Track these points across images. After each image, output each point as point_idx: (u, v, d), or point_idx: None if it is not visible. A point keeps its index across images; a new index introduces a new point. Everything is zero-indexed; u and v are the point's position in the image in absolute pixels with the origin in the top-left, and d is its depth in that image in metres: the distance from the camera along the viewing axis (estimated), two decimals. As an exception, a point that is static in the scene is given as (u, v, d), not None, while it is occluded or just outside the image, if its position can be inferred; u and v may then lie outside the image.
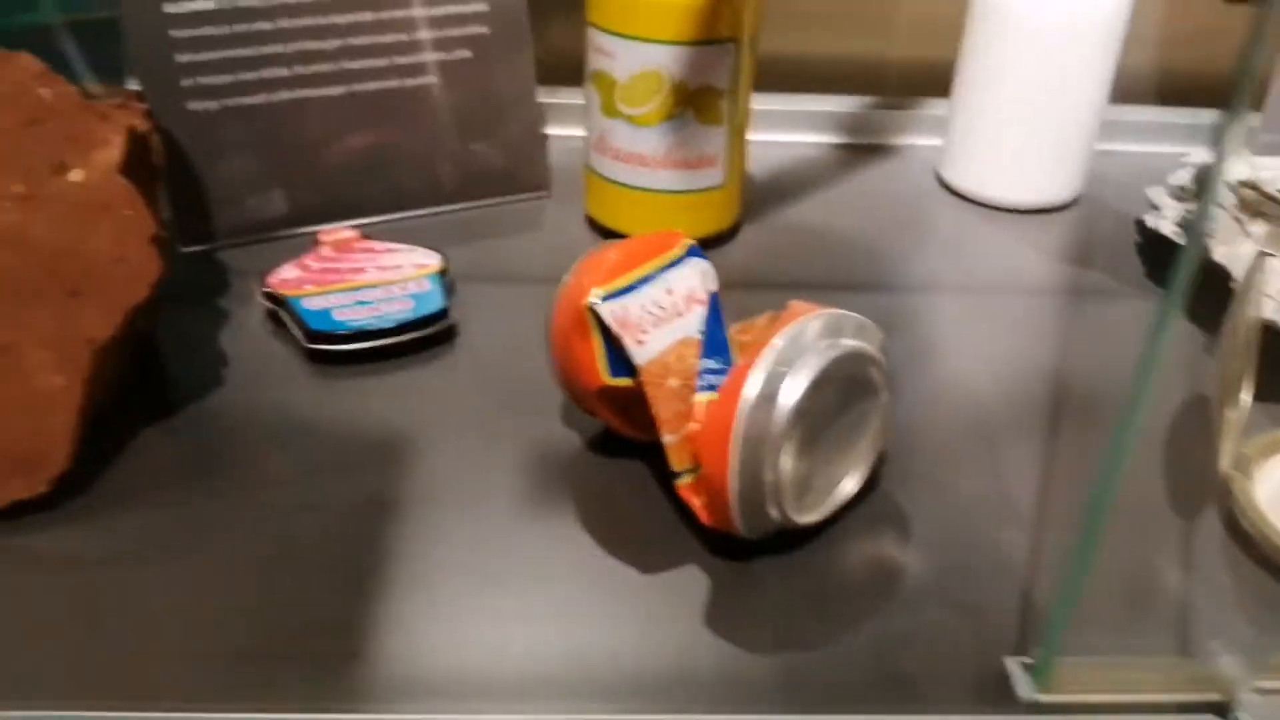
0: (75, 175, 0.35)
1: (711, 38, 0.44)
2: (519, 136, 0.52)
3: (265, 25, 0.46)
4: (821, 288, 0.46)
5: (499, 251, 0.48)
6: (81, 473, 0.34)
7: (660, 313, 0.33)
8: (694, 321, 0.33)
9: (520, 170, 0.52)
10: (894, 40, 0.65)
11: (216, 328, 0.42)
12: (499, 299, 0.45)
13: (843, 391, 0.31)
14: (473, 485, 0.34)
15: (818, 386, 0.30)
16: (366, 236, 0.46)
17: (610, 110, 0.46)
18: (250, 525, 0.32)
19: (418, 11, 0.48)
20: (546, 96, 0.56)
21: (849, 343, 0.31)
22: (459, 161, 0.51)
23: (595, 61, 0.46)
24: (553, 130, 0.58)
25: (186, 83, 0.45)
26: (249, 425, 0.36)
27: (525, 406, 0.38)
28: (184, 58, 0.45)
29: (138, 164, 0.37)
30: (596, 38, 0.45)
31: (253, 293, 0.44)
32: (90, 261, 0.34)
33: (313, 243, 0.45)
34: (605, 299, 0.33)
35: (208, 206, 0.47)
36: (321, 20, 0.47)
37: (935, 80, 0.61)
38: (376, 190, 0.50)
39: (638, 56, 0.44)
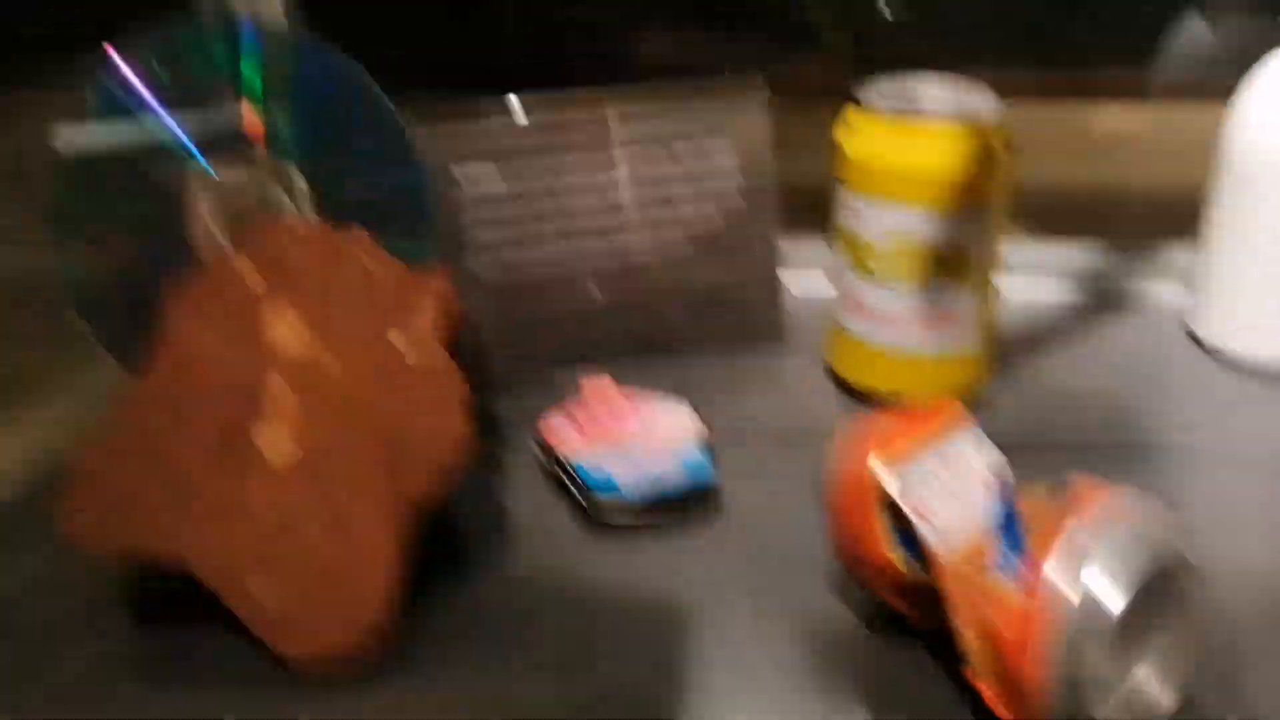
0: (399, 343, 0.38)
1: (966, 204, 0.44)
2: (758, 289, 0.53)
3: (547, 204, 0.49)
4: (1078, 450, 0.45)
5: (745, 406, 0.49)
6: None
7: (945, 489, 0.33)
8: (980, 499, 0.32)
9: (758, 321, 0.53)
10: (1130, 170, 0.63)
11: (492, 474, 0.44)
12: (754, 459, 0.45)
13: (1157, 592, 0.30)
14: (747, 659, 0.34)
15: (1138, 589, 0.29)
16: (621, 385, 0.47)
17: (859, 269, 0.46)
18: (529, 690, 0.33)
19: (673, 169, 0.51)
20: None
21: (1167, 545, 0.30)
22: (699, 312, 0.52)
23: (844, 219, 0.47)
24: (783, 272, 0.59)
25: (470, 240, 0.49)
26: (525, 584, 0.38)
27: (795, 576, 0.38)
28: (470, 217, 0.49)
29: (447, 330, 0.40)
30: (846, 197, 0.46)
31: (524, 439, 0.46)
32: (411, 425, 0.37)
33: (575, 389, 0.46)
34: (890, 473, 0.32)
35: (486, 358, 0.50)
36: (595, 201, 0.50)
37: (1173, 217, 0.59)
38: (622, 336, 0.52)
39: (889, 219, 0.45)
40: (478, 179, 0.48)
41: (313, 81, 0.44)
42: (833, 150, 0.46)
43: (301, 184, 0.43)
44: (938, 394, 0.47)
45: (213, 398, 0.37)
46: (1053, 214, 0.64)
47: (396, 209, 0.45)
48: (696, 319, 0.52)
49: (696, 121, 0.50)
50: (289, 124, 0.44)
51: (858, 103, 0.45)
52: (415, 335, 0.38)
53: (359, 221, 0.44)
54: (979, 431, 0.34)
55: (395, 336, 0.38)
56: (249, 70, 0.43)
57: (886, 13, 0.56)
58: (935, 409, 0.35)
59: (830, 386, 0.50)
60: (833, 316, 0.49)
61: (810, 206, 0.51)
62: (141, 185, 0.42)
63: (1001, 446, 0.34)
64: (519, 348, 0.51)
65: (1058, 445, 0.45)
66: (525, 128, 0.49)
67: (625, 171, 0.50)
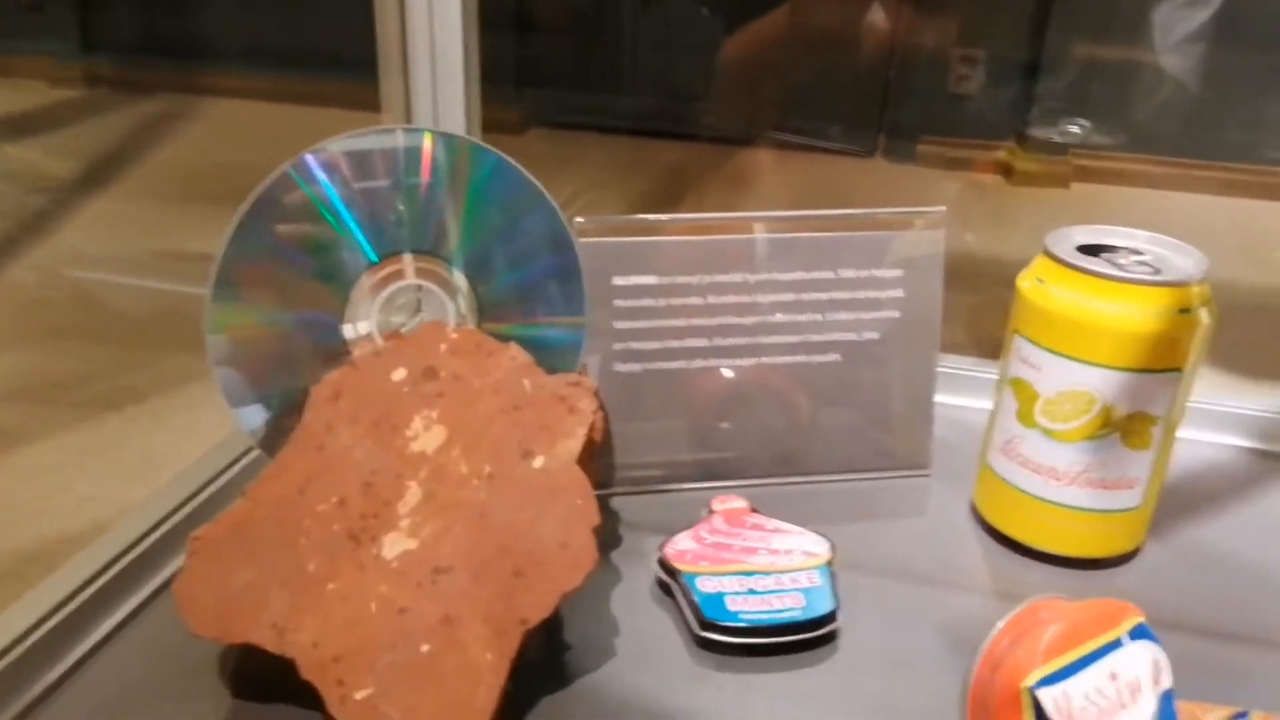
0: (539, 462, 0.35)
1: (1154, 366, 0.39)
2: (908, 415, 0.48)
3: (696, 300, 0.46)
4: (1238, 640, 0.38)
5: (879, 536, 0.45)
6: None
7: (1104, 702, 0.29)
8: (1140, 717, 0.28)
9: (904, 448, 0.49)
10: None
11: (609, 586, 0.41)
12: (881, 593, 0.41)
13: None
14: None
15: None
16: (754, 509, 0.44)
17: (1027, 419, 0.42)
18: None
19: (837, 295, 0.46)
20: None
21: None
22: (845, 434, 0.48)
23: (1017, 369, 0.42)
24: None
25: (619, 348, 0.46)
26: (632, 705, 0.34)
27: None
28: (621, 324, 0.45)
29: (587, 448, 0.37)
30: (1023, 348, 0.41)
31: (647, 556, 0.42)
32: (537, 545, 0.34)
33: (705, 509, 0.44)
34: (1045, 683, 0.28)
35: (613, 458, 0.46)
36: (745, 299, 0.46)
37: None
38: (764, 455, 0.48)
39: (1068, 375, 0.40)
40: (634, 289, 0.45)
41: (484, 186, 0.41)
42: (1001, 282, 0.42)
43: (463, 286, 0.41)
44: (1093, 552, 0.42)
45: (343, 492, 0.35)
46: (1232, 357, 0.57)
47: (550, 300, 0.43)
48: (839, 442, 0.48)
49: (868, 251, 0.46)
50: (458, 227, 0.41)
51: (1048, 253, 0.40)
52: (558, 460, 0.35)
53: (516, 310, 0.42)
54: (1155, 645, 0.29)
55: (538, 457, 0.35)
56: (423, 175, 0.41)
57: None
58: (1106, 613, 0.30)
59: (974, 527, 0.46)
60: (985, 458, 0.45)
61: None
62: (310, 270, 0.40)
63: (1149, 620, 0.30)
64: (655, 459, 0.47)
65: (1211, 629, 0.39)
66: (685, 244, 0.46)
67: (783, 291, 0.46)
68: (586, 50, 1.78)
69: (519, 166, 0.41)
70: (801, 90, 1.64)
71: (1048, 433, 0.41)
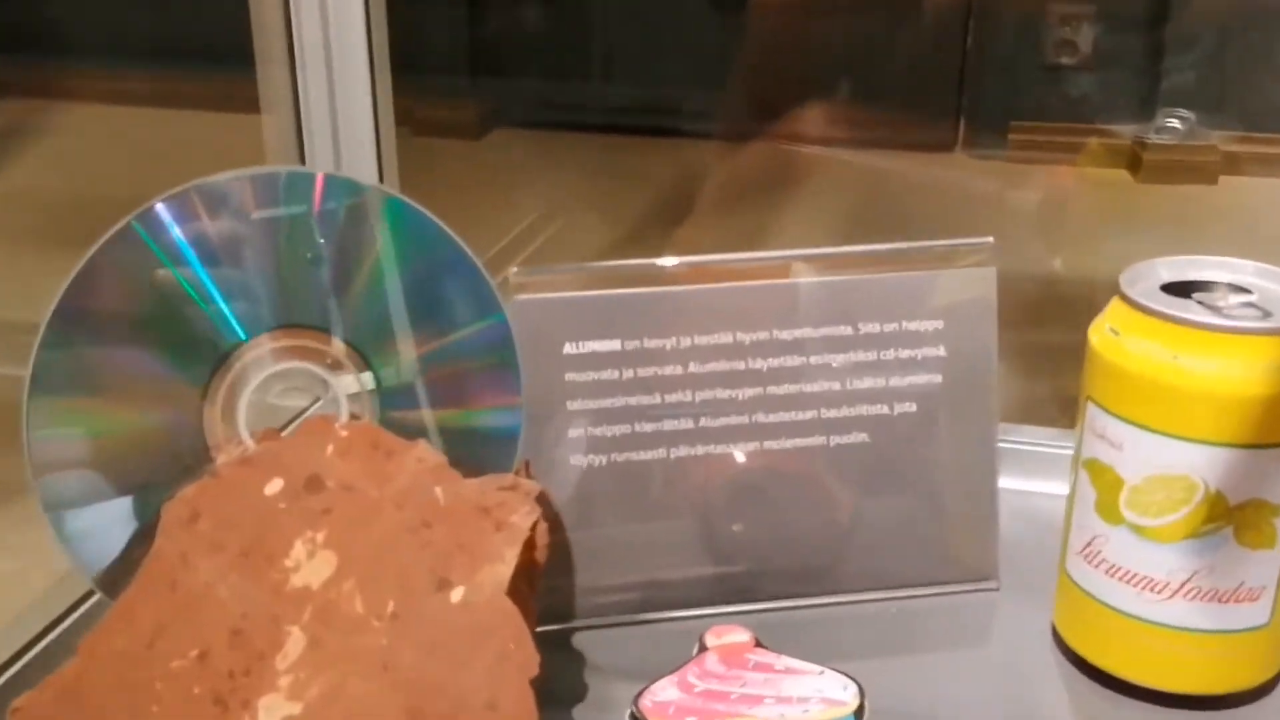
0: (457, 594, 0.36)
1: (1270, 440, 0.40)
2: (963, 511, 0.49)
3: (674, 369, 0.47)
4: None
5: (927, 674, 0.46)
6: None
7: None
8: None
9: (962, 553, 0.50)
10: None
11: None
12: None
13: None
14: None
15: None
16: (759, 642, 0.45)
17: (1109, 513, 0.43)
18: None
19: (859, 356, 0.48)
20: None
21: None
22: (882, 539, 0.49)
23: (1093, 448, 0.43)
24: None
25: (574, 434, 0.47)
26: None
27: None
28: (575, 404, 0.47)
29: (525, 572, 0.38)
30: (1099, 419, 0.43)
31: (618, 709, 0.43)
32: (458, 705, 0.35)
33: (696, 645, 0.44)
34: None
35: (571, 579, 0.48)
36: (739, 365, 0.48)
37: None
38: (771, 569, 0.49)
39: (1160, 454, 0.41)
40: (590, 358, 0.47)
41: (387, 242, 0.44)
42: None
43: (356, 367, 0.43)
44: (1210, 687, 0.43)
45: (204, 643, 0.36)
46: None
47: (473, 379, 0.44)
48: (876, 549, 0.49)
49: (897, 298, 0.48)
50: (352, 293, 0.43)
51: (1124, 297, 0.42)
52: (483, 591, 0.36)
53: (427, 394, 0.44)
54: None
55: (456, 589, 0.36)
56: (310, 230, 0.43)
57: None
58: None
59: (1055, 657, 0.46)
60: (1064, 564, 0.46)
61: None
62: (160, 353, 0.42)
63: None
64: (628, 579, 0.48)
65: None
66: (655, 298, 0.47)
67: (786, 354, 0.48)
68: (560, 29, 1.82)
69: (430, 214, 0.44)
70: (852, 67, 1.68)
71: (1138, 530, 0.42)
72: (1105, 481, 0.43)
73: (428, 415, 0.43)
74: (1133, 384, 0.41)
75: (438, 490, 0.38)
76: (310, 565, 0.37)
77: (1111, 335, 0.42)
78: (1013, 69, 1.74)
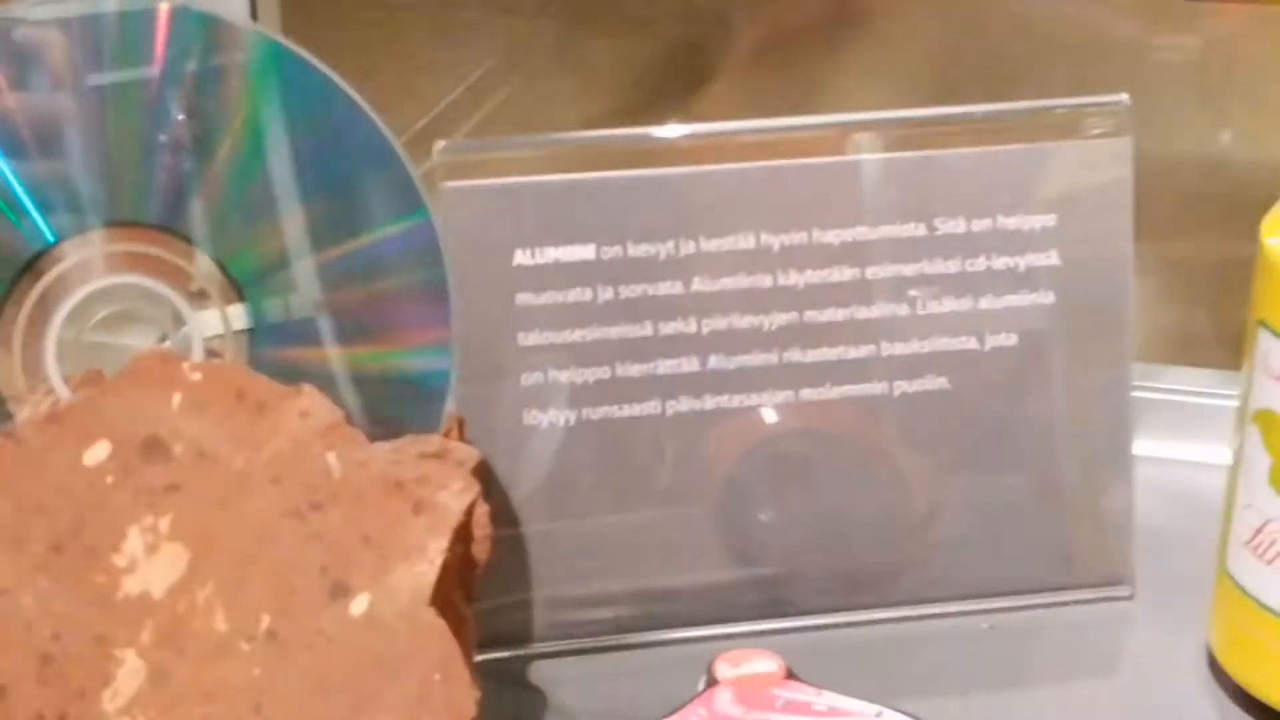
0: (360, 605, 0.37)
1: None
2: (1085, 489, 0.50)
3: (672, 287, 0.48)
4: None
5: (1039, 714, 0.46)
6: None
7: None
8: None
9: (1082, 549, 0.51)
10: None
11: None
12: None
13: None
14: None
15: None
16: (792, 673, 0.45)
17: (1289, 486, 0.43)
18: None
19: (936, 267, 0.48)
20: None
21: None
22: (971, 530, 0.50)
23: (1267, 393, 0.43)
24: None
25: (530, 380, 0.47)
26: None
27: None
28: (531, 338, 0.47)
29: (458, 574, 0.39)
30: (1275, 350, 0.43)
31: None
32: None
33: (704, 677, 0.45)
34: None
35: (528, 589, 0.48)
36: (765, 281, 0.48)
37: None
38: (812, 572, 0.50)
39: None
40: (552, 271, 0.47)
41: (261, 104, 0.44)
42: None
43: (217, 284, 0.43)
44: None
45: (3, 674, 0.36)
46: None
47: (385, 302, 0.45)
48: (958, 543, 0.50)
49: (992, 182, 0.48)
50: (212, 179, 0.43)
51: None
52: (396, 600, 0.37)
53: (319, 324, 0.44)
54: None
55: (358, 596, 0.37)
56: (148, 85, 0.43)
57: None
58: None
59: (1210, 687, 0.47)
60: (1224, 560, 0.46)
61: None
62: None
63: None
64: (603, 588, 0.49)
65: None
66: (648, 181, 0.47)
67: (832, 263, 0.48)
68: None
69: (325, 67, 0.44)
70: None
71: (1332, 512, 0.43)
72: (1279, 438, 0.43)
73: (317, 354, 0.43)
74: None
75: (331, 458, 0.38)
76: (150, 564, 0.37)
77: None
78: None
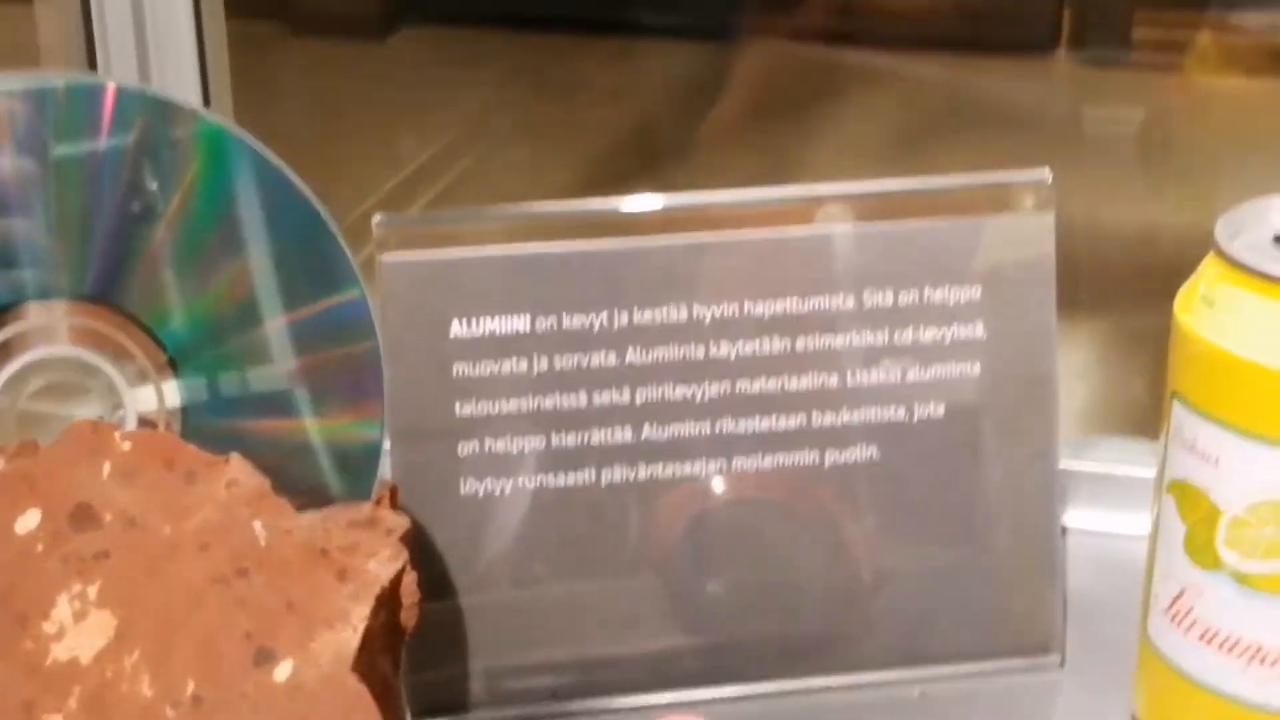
0: (283, 671, 0.37)
1: None
2: (1013, 558, 0.51)
3: (605, 358, 0.48)
4: None
5: None
6: None
7: None
8: None
9: (1012, 618, 0.51)
10: None
11: None
12: None
13: None
14: None
15: None
16: None
17: (1202, 555, 0.44)
18: None
19: (863, 337, 0.49)
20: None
21: None
22: (904, 598, 0.51)
23: (1181, 464, 0.44)
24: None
25: (466, 450, 0.48)
26: None
27: None
28: (468, 409, 0.48)
29: (383, 640, 0.39)
30: (1187, 424, 0.44)
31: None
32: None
33: None
34: None
35: (464, 658, 0.49)
36: (697, 352, 0.49)
37: None
38: (752, 637, 0.50)
39: (1272, 471, 0.42)
40: (488, 342, 0.48)
41: (202, 180, 0.45)
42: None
43: (152, 357, 0.44)
44: None
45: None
46: None
47: (316, 375, 0.46)
48: (891, 612, 0.51)
49: (919, 255, 0.49)
50: (151, 251, 0.44)
51: (1220, 253, 0.43)
52: (320, 666, 0.37)
53: (251, 399, 0.45)
54: None
55: (282, 663, 0.37)
56: (89, 163, 0.44)
57: None
58: None
59: None
60: (1145, 627, 0.47)
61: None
62: None
63: None
64: (536, 658, 0.50)
65: None
66: (582, 255, 0.48)
67: (761, 334, 0.49)
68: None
69: (257, 143, 0.45)
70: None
71: (1241, 578, 0.43)
72: (1197, 511, 0.44)
73: (250, 425, 0.44)
74: (1233, 373, 0.42)
75: (257, 525, 0.39)
76: (78, 631, 0.38)
77: (1204, 305, 0.43)
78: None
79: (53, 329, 0.44)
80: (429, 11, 1.79)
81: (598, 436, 0.49)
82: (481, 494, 0.48)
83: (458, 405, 0.48)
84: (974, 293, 0.49)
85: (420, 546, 0.47)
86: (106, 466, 0.39)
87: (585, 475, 0.49)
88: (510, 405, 0.48)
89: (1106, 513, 0.56)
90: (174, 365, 0.45)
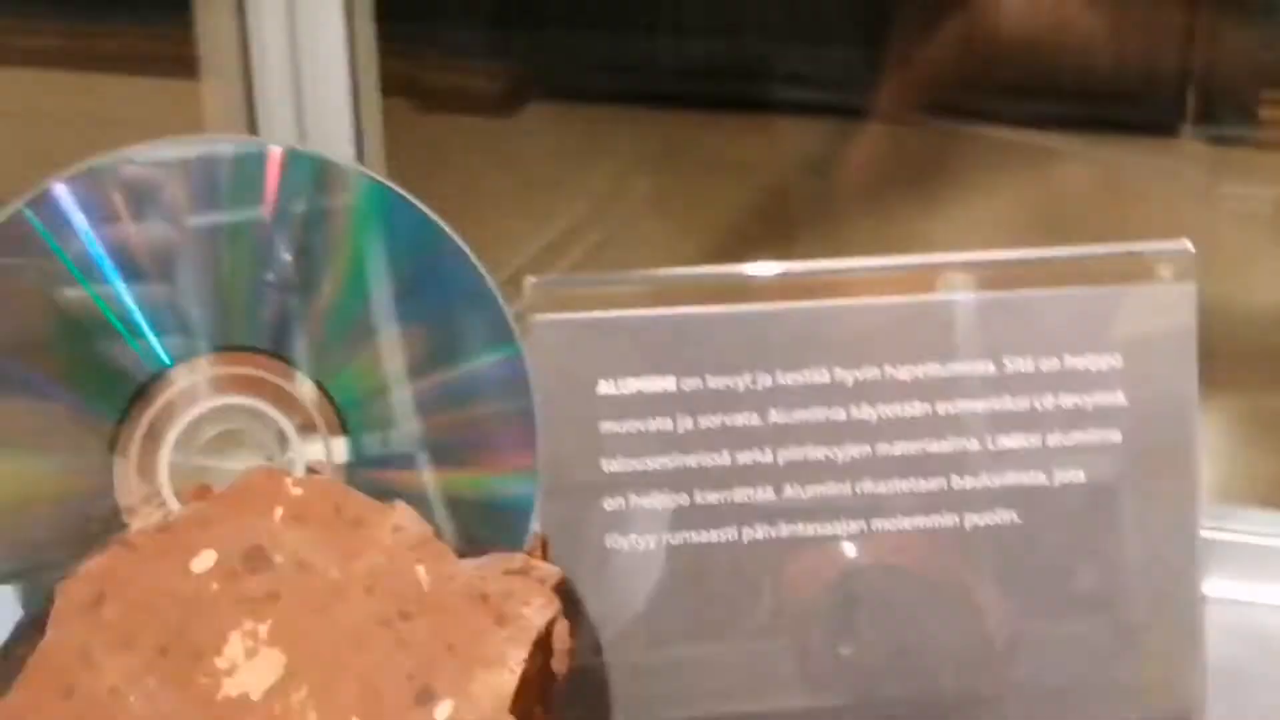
0: (443, 712, 0.38)
1: None
2: (1153, 627, 0.51)
3: (749, 419, 0.49)
4: None
5: None
6: None
7: None
8: None
9: (1154, 688, 0.51)
10: None
11: None
12: None
13: None
14: None
15: None
16: None
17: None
18: None
19: (1005, 404, 0.50)
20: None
21: None
22: (1042, 664, 0.51)
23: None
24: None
25: (612, 505, 0.49)
26: None
27: None
28: (613, 465, 0.49)
29: (537, 685, 0.40)
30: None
31: None
32: None
33: None
34: None
35: (605, 707, 0.48)
36: (839, 414, 0.49)
37: None
38: (886, 700, 0.51)
39: None
40: (635, 402, 0.49)
41: (365, 242, 0.46)
42: None
43: (318, 408, 0.45)
44: None
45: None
46: None
47: (473, 429, 0.47)
48: (1031, 674, 0.51)
49: (1060, 324, 0.50)
50: (318, 309, 0.46)
51: None
52: (478, 708, 0.38)
53: (412, 448, 0.46)
54: None
55: (442, 703, 0.38)
56: (260, 221, 0.46)
57: None
58: None
59: None
60: None
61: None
62: (53, 382, 0.44)
63: None
64: (679, 712, 0.50)
65: None
66: (727, 318, 0.49)
67: (904, 399, 0.50)
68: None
69: (424, 207, 0.46)
70: (1039, 31, 1.67)
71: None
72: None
73: (410, 476, 0.46)
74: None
75: (420, 570, 0.40)
76: (250, 667, 0.39)
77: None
78: (1267, 16, 1.73)
79: (222, 380, 0.45)
80: (556, 89, 1.81)
81: (740, 495, 0.50)
82: (626, 548, 0.49)
83: (604, 462, 0.49)
84: (1115, 360, 0.50)
85: (567, 598, 0.48)
86: (278, 511, 0.41)
87: (727, 533, 0.50)
88: (655, 463, 0.49)
89: (1248, 583, 0.56)
90: (341, 417, 0.46)
